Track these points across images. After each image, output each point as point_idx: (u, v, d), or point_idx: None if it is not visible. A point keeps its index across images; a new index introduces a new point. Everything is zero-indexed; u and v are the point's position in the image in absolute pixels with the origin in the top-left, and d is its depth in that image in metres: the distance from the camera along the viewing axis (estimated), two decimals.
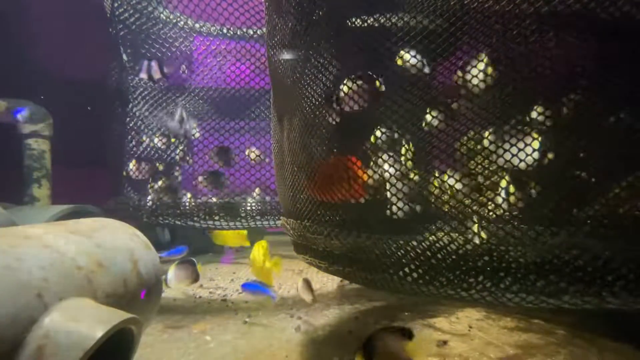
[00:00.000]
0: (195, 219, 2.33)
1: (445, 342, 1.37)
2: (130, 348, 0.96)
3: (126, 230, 1.25)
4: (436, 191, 1.06)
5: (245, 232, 2.17)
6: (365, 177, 1.11)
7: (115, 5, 2.29)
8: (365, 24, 1.34)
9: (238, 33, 2.57)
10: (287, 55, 1.34)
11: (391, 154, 1.14)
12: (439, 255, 0.86)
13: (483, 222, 0.89)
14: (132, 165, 2.31)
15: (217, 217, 2.33)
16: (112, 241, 1.13)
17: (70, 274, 0.90)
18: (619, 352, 1.28)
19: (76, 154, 3.18)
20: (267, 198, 2.45)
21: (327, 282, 2.29)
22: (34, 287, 0.79)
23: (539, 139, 0.95)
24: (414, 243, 0.90)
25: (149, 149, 2.46)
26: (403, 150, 1.17)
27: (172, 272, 1.42)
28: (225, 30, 2.58)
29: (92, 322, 0.83)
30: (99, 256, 1.02)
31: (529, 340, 1.38)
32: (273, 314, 1.73)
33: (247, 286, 1.69)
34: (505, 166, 0.97)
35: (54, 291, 0.83)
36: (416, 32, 1.20)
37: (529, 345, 1.34)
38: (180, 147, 2.48)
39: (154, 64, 2.13)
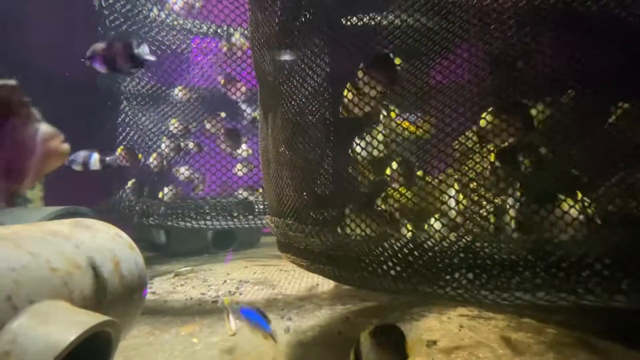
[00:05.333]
0: (187, 219, 2.30)
1: (434, 342, 1.35)
2: (109, 352, 0.94)
3: (108, 230, 1.23)
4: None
5: None
6: None
7: (104, 4, 2.27)
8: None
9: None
10: (270, 53, 1.32)
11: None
12: (416, 253, 0.84)
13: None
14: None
15: (208, 218, 2.30)
16: (91, 242, 1.11)
17: (44, 276, 0.88)
18: (609, 351, 1.25)
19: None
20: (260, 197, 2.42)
21: (321, 282, 2.26)
22: (2, 289, 0.77)
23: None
24: (392, 240, 0.88)
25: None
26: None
27: None
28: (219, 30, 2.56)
29: (64, 325, 0.80)
30: (76, 257, 1.00)
31: (519, 340, 1.36)
32: None
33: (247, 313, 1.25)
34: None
35: (25, 294, 0.81)
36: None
37: (518, 345, 1.32)
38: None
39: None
